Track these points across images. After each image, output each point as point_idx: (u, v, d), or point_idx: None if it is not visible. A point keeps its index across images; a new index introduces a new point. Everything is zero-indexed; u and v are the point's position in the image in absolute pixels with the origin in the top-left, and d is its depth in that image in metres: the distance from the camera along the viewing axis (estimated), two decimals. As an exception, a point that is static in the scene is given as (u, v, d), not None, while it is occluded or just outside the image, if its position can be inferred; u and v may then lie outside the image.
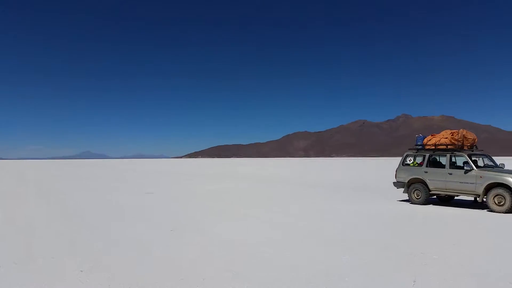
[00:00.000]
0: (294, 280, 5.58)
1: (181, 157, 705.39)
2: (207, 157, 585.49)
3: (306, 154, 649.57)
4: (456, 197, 14.65)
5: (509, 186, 11.63)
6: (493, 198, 11.93)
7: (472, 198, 13.44)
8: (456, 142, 13.42)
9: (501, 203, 11.74)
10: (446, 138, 13.62)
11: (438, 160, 13.98)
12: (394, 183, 15.26)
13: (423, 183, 13.85)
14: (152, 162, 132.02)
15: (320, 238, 8.38)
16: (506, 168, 13.42)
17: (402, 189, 14.70)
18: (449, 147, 13.54)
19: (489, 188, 12.12)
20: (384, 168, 50.02)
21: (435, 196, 14.49)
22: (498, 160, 16.34)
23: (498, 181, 11.91)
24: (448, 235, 8.60)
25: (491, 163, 13.59)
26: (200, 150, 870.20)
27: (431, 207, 13.41)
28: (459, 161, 13.33)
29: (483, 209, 12.53)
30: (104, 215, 11.89)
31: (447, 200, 14.57)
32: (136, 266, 6.36)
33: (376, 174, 37.45)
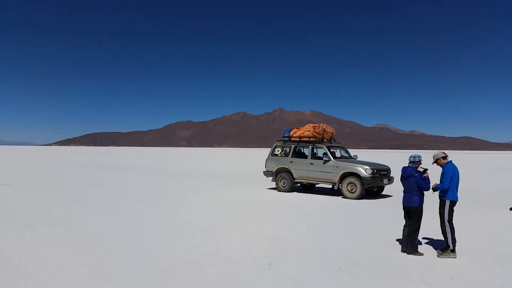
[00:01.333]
0: (153, 267, 5.51)
1: (50, 145, 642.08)
2: (81, 145, 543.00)
3: (189, 144, 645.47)
4: (317, 185, 16.01)
5: (359, 175, 13.11)
6: (347, 186, 13.33)
7: (330, 186, 14.79)
8: (317, 135, 14.64)
9: (353, 191, 13.17)
10: (309, 131, 14.78)
11: (302, 151, 15.12)
12: (264, 172, 16.06)
13: (289, 172, 14.85)
14: (16, 150, 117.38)
15: (181, 227, 8.40)
16: (358, 159, 15.10)
17: (271, 178, 15.55)
18: (311, 139, 14.71)
19: (343, 177, 13.50)
20: (260, 158, 52.25)
21: (299, 184, 15.63)
22: (356, 152, 18.32)
23: (350, 171, 13.35)
24: (305, 220, 9.38)
25: (346, 155, 15.15)
26: (72, 137, 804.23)
27: (295, 194, 14.46)
28: (320, 152, 14.56)
29: (338, 195, 13.93)
30: None
31: (309, 188, 15.86)
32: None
33: (252, 163, 38.99)
